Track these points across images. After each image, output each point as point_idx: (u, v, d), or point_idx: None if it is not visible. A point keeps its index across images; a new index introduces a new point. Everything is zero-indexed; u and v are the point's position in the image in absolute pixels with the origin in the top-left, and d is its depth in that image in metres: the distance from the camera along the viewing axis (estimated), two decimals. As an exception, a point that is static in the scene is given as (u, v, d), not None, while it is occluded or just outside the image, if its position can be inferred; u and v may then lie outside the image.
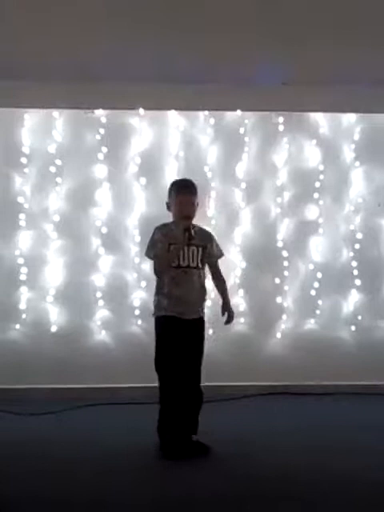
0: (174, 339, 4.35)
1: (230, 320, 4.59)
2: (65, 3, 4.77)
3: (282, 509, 3.45)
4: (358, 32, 5.23)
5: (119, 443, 4.55)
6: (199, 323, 4.46)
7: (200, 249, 4.42)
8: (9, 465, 4.10)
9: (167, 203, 4.55)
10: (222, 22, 5.07)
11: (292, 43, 5.28)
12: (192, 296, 4.39)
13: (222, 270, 4.64)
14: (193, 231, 4.32)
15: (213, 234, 4.66)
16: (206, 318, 4.50)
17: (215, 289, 4.68)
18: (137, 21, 5.00)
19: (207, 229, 4.72)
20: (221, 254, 4.64)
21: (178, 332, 4.35)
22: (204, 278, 4.50)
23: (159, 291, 4.45)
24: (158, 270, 4.45)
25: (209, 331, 5.72)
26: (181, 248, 4.33)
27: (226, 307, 4.60)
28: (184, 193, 4.47)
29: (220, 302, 4.59)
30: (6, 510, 3.29)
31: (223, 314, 4.58)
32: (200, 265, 4.43)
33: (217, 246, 4.61)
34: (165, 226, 4.50)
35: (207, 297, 4.54)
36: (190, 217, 4.40)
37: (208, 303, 5.71)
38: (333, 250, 6.15)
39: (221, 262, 4.63)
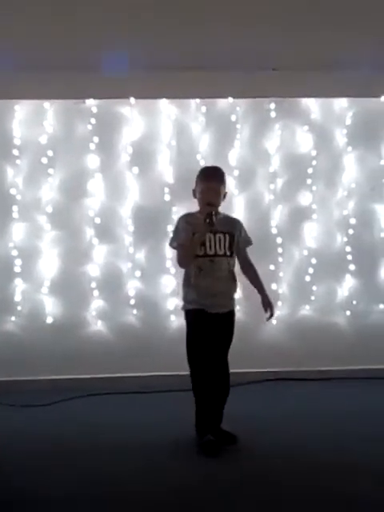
0: (203, 332, 4.26)
1: (271, 315, 4.48)
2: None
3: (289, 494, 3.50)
4: (348, 17, 5.23)
5: (118, 433, 4.57)
6: (229, 317, 4.36)
7: (227, 236, 4.31)
8: (7, 457, 4.12)
9: (193, 190, 4.45)
10: (212, 8, 5.07)
11: (283, 29, 5.27)
12: (220, 286, 4.28)
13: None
14: (214, 218, 4.17)
15: (240, 221, 4.58)
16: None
17: (247, 280, 4.55)
18: (126, 9, 4.98)
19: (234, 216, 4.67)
20: (248, 243, 4.50)
21: (206, 325, 4.26)
22: (233, 266, 4.39)
23: (186, 283, 4.36)
24: (180, 261, 4.36)
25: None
26: (203, 235, 4.22)
27: (266, 302, 4.47)
28: (210, 180, 4.36)
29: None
30: (8, 503, 3.31)
31: (266, 311, 4.46)
32: (228, 252, 4.31)
33: (245, 233, 4.48)
34: (190, 214, 4.42)
35: (236, 286, 4.44)
36: (214, 204, 4.28)
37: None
38: (327, 236, 6.15)
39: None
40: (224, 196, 4.44)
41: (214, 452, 4.14)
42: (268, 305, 4.46)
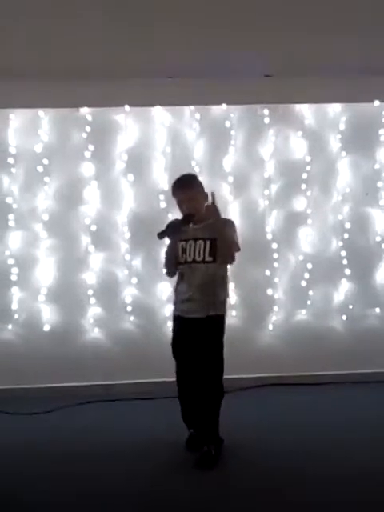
0: (181, 337, 4.32)
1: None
2: (48, 1, 4.81)
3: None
4: (340, 22, 5.26)
5: (116, 440, 4.58)
6: (206, 323, 4.18)
7: (207, 242, 4.23)
8: (8, 465, 4.13)
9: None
10: (206, 15, 5.10)
11: (275, 35, 5.30)
12: (195, 292, 4.22)
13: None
14: (193, 225, 4.26)
15: (226, 222, 4.36)
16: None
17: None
18: (121, 18, 5.01)
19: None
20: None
21: (183, 331, 4.31)
22: (215, 271, 4.24)
23: (174, 288, 4.48)
24: (164, 269, 4.51)
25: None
26: (173, 244, 4.32)
27: None
28: (176, 193, 4.39)
29: None
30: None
31: None
32: (208, 258, 4.22)
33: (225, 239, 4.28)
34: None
35: (222, 292, 4.29)
36: (191, 214, 4.27)
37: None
38: (322, 241, 6.17)
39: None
40: (206, 197, 4.33)
41: (193, 447, 4.25)
42: None
